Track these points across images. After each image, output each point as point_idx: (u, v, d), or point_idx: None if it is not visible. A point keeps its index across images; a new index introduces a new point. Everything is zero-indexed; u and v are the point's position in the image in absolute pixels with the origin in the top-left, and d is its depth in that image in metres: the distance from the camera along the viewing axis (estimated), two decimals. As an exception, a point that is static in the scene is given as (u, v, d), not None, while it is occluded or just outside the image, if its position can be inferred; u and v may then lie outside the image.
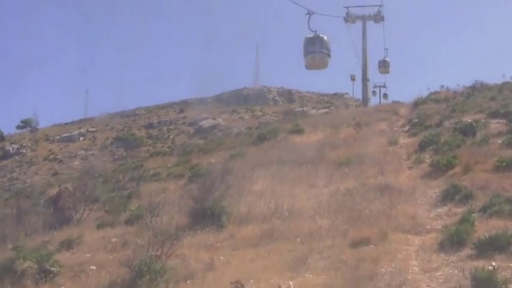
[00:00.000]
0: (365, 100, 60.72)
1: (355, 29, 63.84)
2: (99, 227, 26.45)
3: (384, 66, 69.07)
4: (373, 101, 73.76)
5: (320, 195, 24.91)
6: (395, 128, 39.24)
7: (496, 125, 34.01)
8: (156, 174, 37.75)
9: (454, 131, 32.72)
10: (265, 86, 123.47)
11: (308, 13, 25.78)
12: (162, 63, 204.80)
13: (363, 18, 63.42)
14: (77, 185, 30.44)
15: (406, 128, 38.72)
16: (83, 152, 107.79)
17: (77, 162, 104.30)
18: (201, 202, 23.55)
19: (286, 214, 22.48)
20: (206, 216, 22.96)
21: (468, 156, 26.50)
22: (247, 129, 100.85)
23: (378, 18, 63.53)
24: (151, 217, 24.45)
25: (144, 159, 54.59)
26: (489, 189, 22.23)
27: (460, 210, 20.81)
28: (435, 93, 55.05)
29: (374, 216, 20.75)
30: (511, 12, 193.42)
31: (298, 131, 42.70)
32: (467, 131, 31.89)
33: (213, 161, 39.09)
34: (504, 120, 34.54)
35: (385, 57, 69.13)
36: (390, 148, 33.05)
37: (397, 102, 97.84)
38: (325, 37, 27.82)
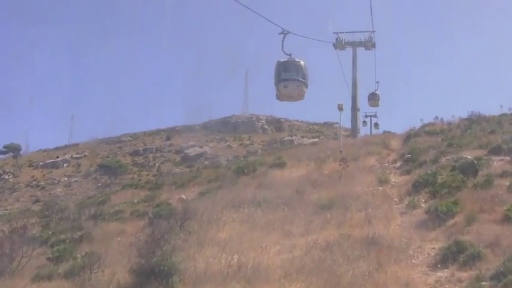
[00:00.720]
0: (354, 131, 56.20)
1: (346, 56, 59.61)
2: (34, 280, 21.92)
3: (374, 99, 64.55)
4: (364, 131, 70.19)
5: (294, 248, 20.39)
6: (386, 164, 34.71)
7: (499, 162, 29.57)
8: (118, 211, 33.05)
9: (452, 170, 28.29)
10: (254, 114, 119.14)
11: (282, 32, 21.28)
12: (151, 91, 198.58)
13: (353, 45, 59.00)
14: (15, 226, 25.68)
15: (398, 163, 34.17)
16: (66, 178, 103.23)
17: (60, 189, 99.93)
18: (147, 256, 18.97)
19: (251, 274, 17.92)
20: (153, 274, 18.43)
21: (471, 202, 22.09)
22: (235, 157, 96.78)
23: (369, 45, 59.11)
24: (91, 272, 20.06)
25: (113, 192, 49.82)
26: (500, 246, 17.75)
27: (466, 275, 16.41)
28: (429, 124, 50.70)
29: (358, 282, 16.29)
30: (505, 42, 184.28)
31: (280, 165, 38.20)
32: (468, 169, 27.46)
33: (183, 197, 34.64)
34: (508, 158, 30.11)
35: (375, 90, 64.40)
36: (380, 188, 28.53)
37: (389, 132, 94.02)
38: (301, 62, 22.55)
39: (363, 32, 59.36)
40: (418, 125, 50.69)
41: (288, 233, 22.38)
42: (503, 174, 26.47)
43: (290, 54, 22.09)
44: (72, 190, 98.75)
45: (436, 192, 24.77)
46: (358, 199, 25.62)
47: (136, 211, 32.11)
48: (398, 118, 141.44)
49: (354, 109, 56.81)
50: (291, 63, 22.20)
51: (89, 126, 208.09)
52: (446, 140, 38.54)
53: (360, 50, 59.43)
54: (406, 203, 24.90)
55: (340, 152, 39.09)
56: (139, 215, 31.09)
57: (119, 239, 26.64)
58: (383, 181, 29.57)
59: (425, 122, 52.15)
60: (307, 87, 22.66)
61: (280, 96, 23.06)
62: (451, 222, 21.05)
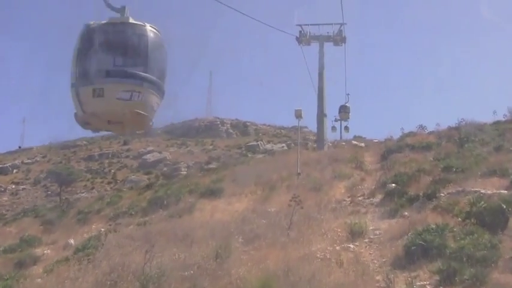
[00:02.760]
0: (320, 142, 44.25)
1: (313, 52, 47.89)
2: None
3: (344, 111, 56.47)
4: (333, 136, 60.00)
5: None
6: (360, 197, 22.98)
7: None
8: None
9: (467, 217, 16.76)
10: (218, 118, 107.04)
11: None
12: None
13: (320, 39, 47.35)
14: None
15: (377, 197, 22.47)
16: (13, 186, 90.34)
17: (6, 198, 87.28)
18: None
19: None
20: None
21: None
22: (196, 163, 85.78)
23: (339, 39, 47.49)
24: None
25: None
26: None
27: None
28: (410, 134, 39.40)
29: None
30: (493, 42, 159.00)
31: (215, 193, 26.45)
32: (493, 218, 15.98)
33: (72, 242, 22.90)
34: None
35: (346, 103, 56.37)
36: (351, 246, 16.92)
37: (360, 137, 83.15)
38: (148, 29, 9.07)
39: (332, 24, 47.95)
40: (396, 133, 39.98)
41: None
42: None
43: (124, 10, 9.30)
44: (19, 199, 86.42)
45: (451, 270, 13.12)
46: (314, 279, 13.85)
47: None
48: (369, 121, 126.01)
49: (321, 115, 45.17)
50: (120, 30, 8.97)
51: (47, 128, 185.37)
52: (440, 158, 27.17)
53: (328, 46, 47.93)
54: (398, 289, 13.20)
55: (298, 174, 27.51)
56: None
57: None
58: (356, 232, 17.92)
59: (404, 129, 41.41)
60: (162, 94, 9.55)
61: (82, 119, 9.69)
62: None
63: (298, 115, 29.14)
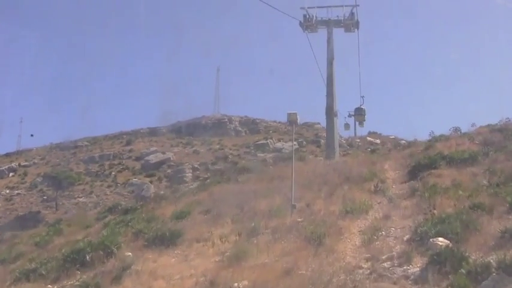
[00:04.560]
0: (330, 149, 34.69)
1: (322, 40, 38.73)
2: None
3: (359, 114, 49.23)
4: (346, 134, 59.12)
5: None
6: (386, 263, 13.43)
7: None
8: None
9: None
10: (225, 115, 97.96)
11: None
12: (116, 89, 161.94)
13: (328, 25, 38.14)
14: None
15: (416, 264, 12.91)
16: (7, 191, 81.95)
17: (-1, 204, 79.22)
18: None
19: None
20: None
21: None
22: (201, 164, 77.47)
23: (350, 24, 38.26)
24: None
25: None
26: None
27: None
28: (442, 139, 30.09)
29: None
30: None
31: (169, 239, 17.30)
32: None
33: None
34: None
35: (361, 105, 48.96)
36: None
37: (375, 133, 74.42)
38: None
39: (342, 6, 38.72)
40: (424, 135, 30.69)
41: None
42: None
43: None
44: (13, 205, 78.16)
45: None
46: None
47: None
48: (385, 116, 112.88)
49: (330, 114, 35.95)
50: None
51: (51, 128, 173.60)
52: (500, 183, 17.84)
53: (338, 32, 38.74)
54: None
55: (293, 207, 18.33)
56: None
57: None
58: None
59: (433, 132, 32.24)
60: None
61: None
62: None
63: (293, 120, 19.99)
